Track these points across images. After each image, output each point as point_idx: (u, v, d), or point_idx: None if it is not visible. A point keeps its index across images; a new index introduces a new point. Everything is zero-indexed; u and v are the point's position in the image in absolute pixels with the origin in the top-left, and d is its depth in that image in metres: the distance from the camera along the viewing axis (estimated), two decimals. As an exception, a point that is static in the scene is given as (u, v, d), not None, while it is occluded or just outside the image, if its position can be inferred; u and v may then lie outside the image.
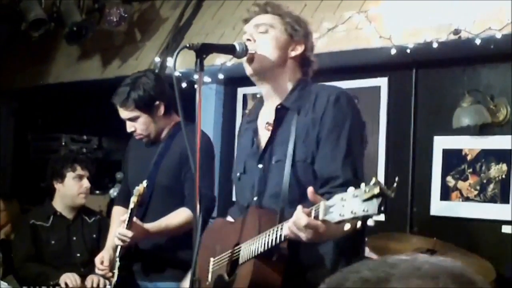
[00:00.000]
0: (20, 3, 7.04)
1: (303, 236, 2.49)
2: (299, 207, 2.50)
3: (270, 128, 3.00)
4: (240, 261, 2.85)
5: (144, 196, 3.86)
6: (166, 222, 3.97)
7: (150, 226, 3.94)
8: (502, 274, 4.77)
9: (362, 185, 2.24)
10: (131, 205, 3.79)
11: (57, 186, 5.30)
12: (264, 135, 3.01)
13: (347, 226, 2.25)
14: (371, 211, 2.18)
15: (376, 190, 2.17)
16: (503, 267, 4.76)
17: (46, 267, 5.12)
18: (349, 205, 2.23)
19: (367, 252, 4.54)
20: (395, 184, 2.23)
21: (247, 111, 3.42)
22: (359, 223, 2.23)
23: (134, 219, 3.86)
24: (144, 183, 3.81)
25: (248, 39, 2.96)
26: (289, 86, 3.00)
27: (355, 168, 2.80)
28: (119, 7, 7.03)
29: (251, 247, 2.77)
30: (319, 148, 2.83)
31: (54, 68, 8.00)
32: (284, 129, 2.93)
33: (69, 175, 5.26)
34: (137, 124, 4.13)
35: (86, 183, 5.30)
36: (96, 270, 4.32)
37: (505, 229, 5.18)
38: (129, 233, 3.84)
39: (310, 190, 2.47)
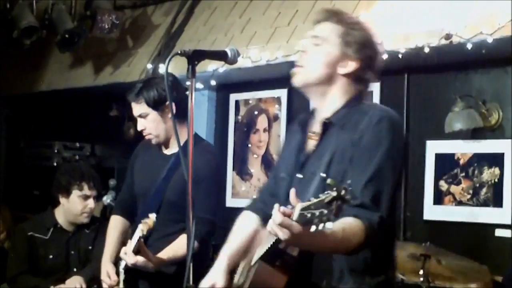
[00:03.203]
0: (12, 11, 7.05)
1: (280, 235, 2.46)
2: (276, 205, 2.48)
3: (314, 138, 2.98)
4: (251, 263, 2.87)
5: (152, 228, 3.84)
6: (173, 252, 3.93)
7: (157, 257, 3.90)
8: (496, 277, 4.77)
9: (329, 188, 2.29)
10: (140, 233, 3.75)
11: (62, 200, 5.15)
12: (310, 145, 3.00)
13: (313, 228, 2.27)
14: (330, 213, 2.24)
15: (334, 193, 2.25)
16: (497, 271, 4.77)
17: (39, 280, 5.08)
18: (317, 207, 2.28)
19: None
20: (349, 188, 2.27)
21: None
22: (321, 226, 2.25)
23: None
24: (153, 216, 3.76)
25: (302, 50, 2.94)
26: (340, 102, 2.93)
27: (378, 194, 2.71)
28: (111, 14, 7.03)
29: (258, 250, 2.79)
30: (350, 167, 2.77)
31: (47, 75, 8.00)
32: (327, 144, 2.89)
33: (75, 193, 5.10)
34: (147, 122, 4.11)
35: (91, 203, 5.13)
36: (104, 286, 4.29)
37: (499, 232, 5.20)
38: (132, 258, 3.84)
39: (292, 191, 2.47)
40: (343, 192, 2.25)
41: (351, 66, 2.89)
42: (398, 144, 2.83)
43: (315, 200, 2.29)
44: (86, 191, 5.11)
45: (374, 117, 2.80)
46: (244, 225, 3.14)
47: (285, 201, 2.98)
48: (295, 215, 2.35)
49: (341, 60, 2.89)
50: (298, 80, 2.94)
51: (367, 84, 2.98)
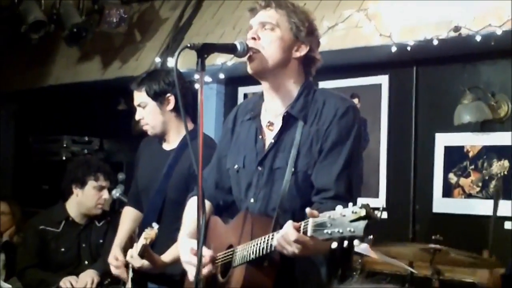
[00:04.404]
0: (20, 6, 7.04)
1: (290, 250, 2.53)
2: (289, 222, 2.52)
3: (272, 128, 2.99)
4: (233, 264, 2.87)
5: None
6: (177, 252, 3.93)
7: (166, 258, 3.90)
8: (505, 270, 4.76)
9: (350, 205, 2.30)
10: (143, 241, 3.74)
11: (76, 191, 5.19)
12: (267, 137, 3.00)
13: (334, 245, 2.30)
14: (357, 232, 2.25)
15: (363, 213, 2.25)
16: (507, 263, 4.76)
17: (47, 274, 5.09)
18: (337, 224, 2.30)
19: (369, 251, 4.53)
20: (381, 208, 2.30)
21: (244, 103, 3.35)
22: (345, 243, 2.28)
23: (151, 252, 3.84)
24: (155, 227, 3.73)
25: (253, 38, 2.93)
26: (294, 89, 2.97)
27: (349, 183, 2.82)
28: (119, 8, 7.03)
29: (243, 252, 2.79)
30: (319, 160, 2.85)
31: (54, 70, 8.00)
32: (288, 137, 2.92)
33: (91, 184, 5.16)
34: (145, 112, 4.14)
35: (105, 194, 5.20)
36: (113, 270, 4.30)
37: (508, 225, 5.19)
38: (139, 262, 3.85)
39: (307, 209, 2.49)
40: (371, 212, 2.26)
41: (304, 49, 2.96)
42: (360, 133, 2.93)
43: (333, 216, 2.32)
44: (102, 182, 5.18)
45: (339, 109, 2.87)
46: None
47: (245, 193, 3.00)
48: (309, 231, 2.39)
49: (295, 44, 2.95)
50: (255, 65, 2.93)
51: (316, 63, 3.04)
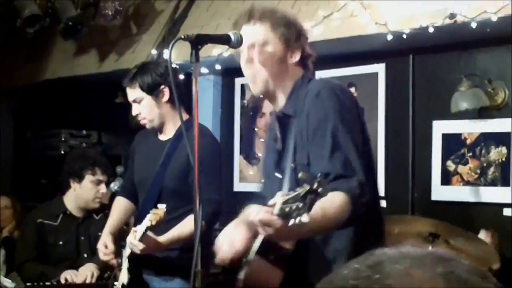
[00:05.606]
0: (15, 0, 7.03)
1: (262, 231, 2.52)
2: (264, 207, 2.53)
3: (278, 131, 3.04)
4: (248, 258, 2.88)
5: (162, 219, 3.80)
6: (178, 232, 3.94)
7: (163, 239, 3.92)
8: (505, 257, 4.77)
9: (305, 184, 2.31)
10: (148, 223, 3.72)
11: (73, 185, 5.18)
12: (279, 140, 3.04)
13: (291, 222, 2.29)
14: (303, 205, 2.27)
15: (307, 187, 2.27)
16: (506, 250, 4.77)
17: (46, 267, 5.09)
18: (294, 201, 2.31)
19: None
20: (318, 178, 2.30)
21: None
22: (297, 219, 2.27)
23: (148, 232, 3.84)
24: (164, 207, 3.73)
25: (248, 61, 2.96)
26: (289, 89, 3.00)
27: (345, 160, 2.76)
28: (114, 1, 7.02)
29: (254, 245, 2.81)
30: (309, 148, 2.84)
31: (51, 64, 8.00)
32: (287, 135, 2.95)
33: (88, 178, 5.14)
34: (141, 107, 4.16)
35: (103, 188, 5.18)
36: (101, 256, 4.32)
37: (507, 212, 5.19)
38: (140, 245, 3.85)
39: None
40: (315, 185, 2.27)
41: (297, 53, 2.99)
42: (344, 106, 2.88)
43: (292, 194, 2.33)
44: (99, 175, 5.16)
45: (313, 91, 2.87)
46: None
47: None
48: (276, 209, 2.38)
49: (288, 52, 2.98)
50: (259, 87, 2.99)
51: (311, 58, 3.06)
